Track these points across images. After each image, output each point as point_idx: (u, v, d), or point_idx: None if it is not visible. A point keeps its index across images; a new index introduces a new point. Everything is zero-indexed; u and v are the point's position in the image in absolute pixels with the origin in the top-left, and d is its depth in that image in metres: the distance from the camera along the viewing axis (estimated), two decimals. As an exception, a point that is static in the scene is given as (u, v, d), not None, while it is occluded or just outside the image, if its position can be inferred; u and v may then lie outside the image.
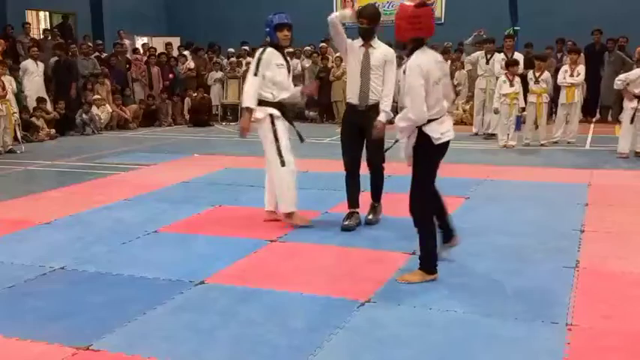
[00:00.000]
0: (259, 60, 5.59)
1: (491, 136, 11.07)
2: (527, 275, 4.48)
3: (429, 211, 4.43)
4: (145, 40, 18.54)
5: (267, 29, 5.66)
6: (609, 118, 13.52)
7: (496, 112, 10.51)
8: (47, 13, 18.60)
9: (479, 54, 11.90)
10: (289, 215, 5.79)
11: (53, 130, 12.48)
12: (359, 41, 5.63)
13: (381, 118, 5.55)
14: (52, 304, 4.08)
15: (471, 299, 4.06)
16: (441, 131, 4.30)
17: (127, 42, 16.03)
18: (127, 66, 15.06)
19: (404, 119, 4.29)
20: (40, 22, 18.11)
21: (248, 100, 5.57)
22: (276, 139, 5.66)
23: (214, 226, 5.94)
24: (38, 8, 18.15)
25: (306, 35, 16.79)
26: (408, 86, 4.24)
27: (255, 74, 5.57)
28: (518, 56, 11.09)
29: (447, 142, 4.37)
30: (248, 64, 15.68)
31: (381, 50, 5.63)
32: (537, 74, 10.49)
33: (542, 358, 3.31)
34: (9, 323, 3.80)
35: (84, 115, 13.11)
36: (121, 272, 4.65)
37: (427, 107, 4.20)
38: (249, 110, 5.59)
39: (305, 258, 5.01)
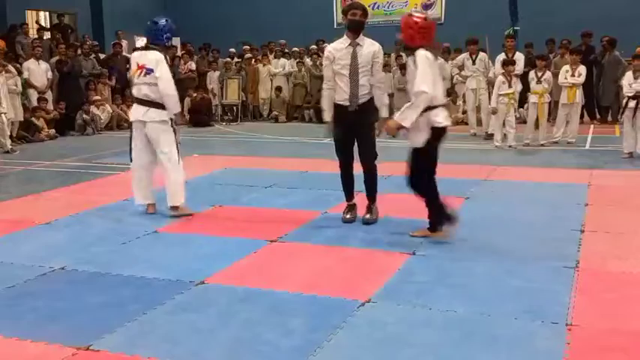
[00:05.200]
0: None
1: (491, 137, 11.07)
2: (527, 275, 4.48)
3: (434, 187, 5.18)
4: (144, 40, 18.51)
5: (169, 34, 6.26)
6: (609, 118, 13.52)
7: (494, 112, 10.51)
8: (47, 13, 18.60)
9: (464, 56, 11.95)
10: (178, 208, 6.22)
11: (53, 130, 12.49)
12: (343, 41, 5.57)
13: (383, 113, 5.60)
14: (51, 304, 4.08)
15: (471, 299, 4.06)
16: (442, 117, 5.05)
17: (124, 42, 16.02)
18: (127, 66, 15.05)
19: (411, 108, 4.94)
20: (40, 22, 18.08)
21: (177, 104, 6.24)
22: (176, 140, 6.19)
23: (214, 226, 5.95)
24: (38, 8, 18.15)
25: (306, 35, 16.87)
26: (419, 71, 4.89)
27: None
28: (519, 56, 11.10)
29: (446, 129, 5.07)
30: (238, 63, 15.78)
31: (368, 48, 5.57)
32: (539, 74, 10.49)
33: (542, 358, 3.31)
34: (9, 323, 3.80)
35: (84, 116, 13.12)
36: (121, 272, 4.65)
37: (437, 95, 4.97)
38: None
39: (305, 258, 5.01)
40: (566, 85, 10.67)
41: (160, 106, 6.06)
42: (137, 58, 6.20)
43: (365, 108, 5.58)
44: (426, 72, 4.87)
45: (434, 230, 5.26)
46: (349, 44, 5.54)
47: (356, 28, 5.53)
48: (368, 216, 5.86)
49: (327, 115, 5.72)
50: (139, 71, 6.09)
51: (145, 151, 6.23)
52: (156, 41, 6.21)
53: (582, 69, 10.70)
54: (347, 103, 5.57)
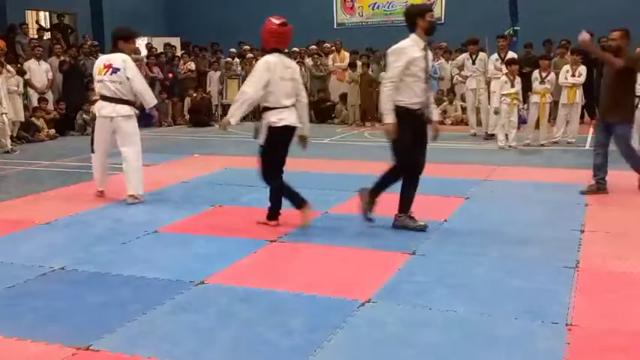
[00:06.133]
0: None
1: (491, 137, 11.08)
2: (527, 275, 4.48)
3: (279, 179, 5.66)
4: (144, 40, 18.51)
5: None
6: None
7: (496, 112, 10.51)
8: (47, 13, 18.60)
9: (464, 56, 11.96)
10: (136, 196, 6.82)
11: (53, 130, 12.49)
12: (416, 43, 5.36)
13: (435, 116, 5.68)
14: (51, 304, 4.08)
15: (471, 299, 4.06)
16: (279, 117, 5.44)
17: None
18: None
19: (234, 105, 5.52)
20: (40, 22, 18.09)
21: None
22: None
23: (214, 226, 5.94)
24: (38, 8, 18.16)
25: (306, 35, 16.85)
26: (251, 73, 5.57)
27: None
28: (512, 55, 11.10)
29: (285, 128, 5.46)
30: (232, 64, 15.79)
31: (429, 52, 5.57)
32: (543, 74, 10.50)
33: (542, 358, 3.31)
34: (9, 323, 3.79)
35: (84, 116, 13.11)
36: (121, 272, 4.65)
37: (267, 97, 5.43)
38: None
39: (305, 258, 5.01)
40: (567, 85, 10.68)
41: (127, 102, 6.71)
42: (104, 60, 6.80)
43: (428, 113, 5.51)
44: (255, 75, 5.41)
45: (271, 219, 5.76)
46: (423, 47, 5.41)
47: (431, 32, 5.47)
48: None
49: (391, 117, 5.32)
50: (105, 70, 6.64)
51: (109, 142, 6.89)
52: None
53: (583, 69, 10.71)
54: (417, 107, 5.37)
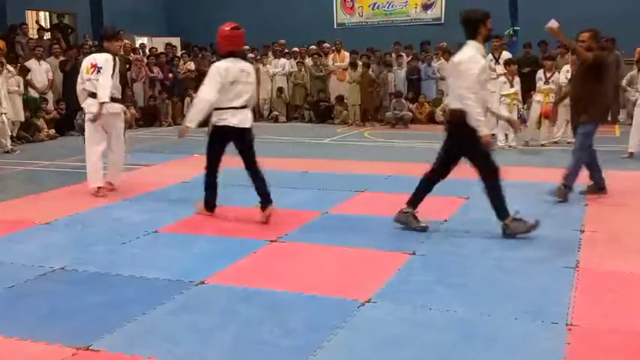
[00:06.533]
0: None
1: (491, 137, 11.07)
2: (527, 275, 4.48)
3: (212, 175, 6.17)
4: (144, 40, 18.53)
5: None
6: (609, 118, 13.51)
7: (496, 112, 10.50)
8: (47, 13, 18.60)
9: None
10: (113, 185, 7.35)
11: (53, 130, 12.48)
12: (480, 51, 5.29)
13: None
14: (51, 304, 4.08)
15: (471, 299, 4.06)
16: (220, 117, 5.81)
17: (126, 42, 16.01)
18: (127, 66, 15.05)
19: (190, 109, 6.06)
20: (40, 22, 18.09)
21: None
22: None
23: (214, 226, 5.94)
24: (38, 8, 18.15)
25: (306, 35, 16.87)
26: (205, 78, 5.89)
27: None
28: (506, 55, 11.11)
29: (225, 127, 5.81)
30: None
31: None
32: (548, 74, 10.50)
33: (542, 358, 3.31)
34: (9, 323, 3.79)
35: (85, 116, 13.08)
36: (121, 272, 4.65)
37: (221, 99, 5.74)
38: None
39: (305, 258, 5.01)
40: (565, 85, 10.66)
41: (116, 99, 7.07)
42: (90, 59, 7.09)
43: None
44: (208, 82, 5.77)
45: (207, 209, 6.23)
46: (483, 55, 5.34)
47: (489, 39, 5.46)
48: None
49: (487, 128, 5.38)
50: (92, 69, 6.97)
51: (103, 139, 7.18)
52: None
53: None
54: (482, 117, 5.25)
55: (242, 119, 5.84)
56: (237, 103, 5.81)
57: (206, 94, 5.77)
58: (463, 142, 5.37)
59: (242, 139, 5.89)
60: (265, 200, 5.95)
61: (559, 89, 10.92)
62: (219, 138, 5.94)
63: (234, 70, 5.77)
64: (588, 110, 6.60)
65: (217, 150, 6.01)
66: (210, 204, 6.19)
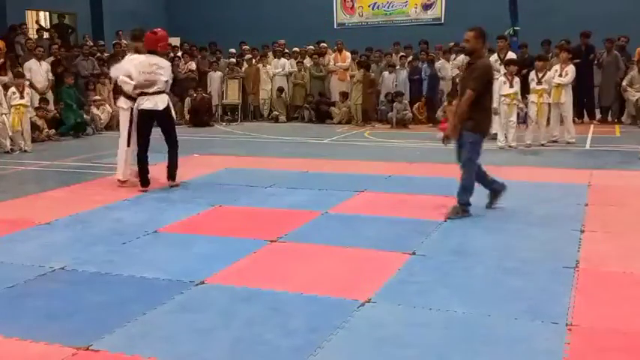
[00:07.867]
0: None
1: (492, 137, 11.05)
2: (527, 275, 4.48)
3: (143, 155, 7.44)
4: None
5: None
6: (609, 118, 13.52)
7: (495, 112, 10.49)
8: (47, 13, 18.60)
9: (463, 57, 11.91)
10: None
11: (53, 130, 12.48)
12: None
13: None
14: (51, 304, 4.08)
15: (471, 299, 4.06)
16: (140, 102, 7.21)
17: (125, 42, 16.01)
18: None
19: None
20: (40, 22, 18.09)
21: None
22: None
23: (214, 226, 5.95)
24: (38, 8, 18.15)
25: (306, 35, 16.87)
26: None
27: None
28: (512, 56, 11.08)
29: (144, 110, 7.23)
30: (233, 64, 15.78)
31: None
32: (540, 75, 10.48)
33: (542, 358, 3.31)
34: (9, 323, 3.79)
35: (85, 116, 13.10)
36: (121, 272, 4.65)
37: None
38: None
39: (305, 258, 5.01)
40: (554, 84, 10.65)
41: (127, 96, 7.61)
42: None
43: None
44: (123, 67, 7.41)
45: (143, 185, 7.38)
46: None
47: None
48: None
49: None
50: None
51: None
52: None
53: (570, 69, 10.65)
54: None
55: (157, 103, 7.21)
56: (151, 90, 7.20)
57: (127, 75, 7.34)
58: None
59: (161, 118, 7.36)
60: (170, 176, 7.45)
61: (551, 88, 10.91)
62: (141, 119, 7.29)
63: (146, 63, 7.20)
64: (471, 123, 5.92)
65: (144, 129, 7.35)
66: (144, 178, 7.32)
